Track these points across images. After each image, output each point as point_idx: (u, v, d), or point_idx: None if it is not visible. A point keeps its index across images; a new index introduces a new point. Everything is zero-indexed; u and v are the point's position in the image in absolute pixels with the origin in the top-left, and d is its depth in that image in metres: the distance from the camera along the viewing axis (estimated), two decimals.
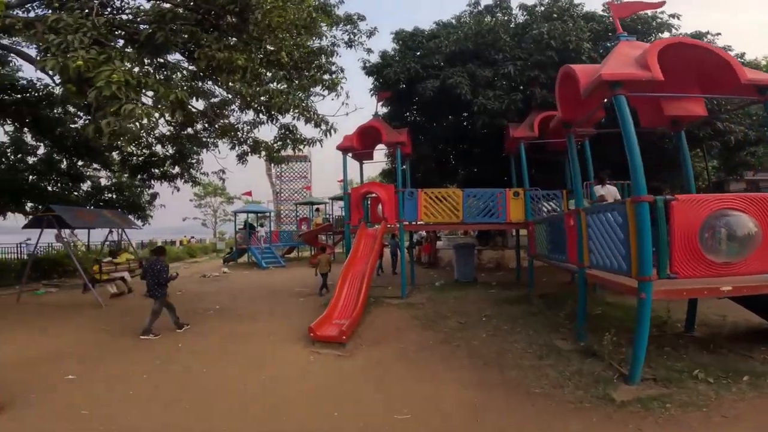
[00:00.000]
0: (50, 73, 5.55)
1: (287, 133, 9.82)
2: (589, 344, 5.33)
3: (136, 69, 5.16)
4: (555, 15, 10.81)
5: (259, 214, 26.61)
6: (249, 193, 24.91)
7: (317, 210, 26.65)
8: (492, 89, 10.16)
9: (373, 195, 10.49)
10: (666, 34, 10.72)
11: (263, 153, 11.41)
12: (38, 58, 5.49)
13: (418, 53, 12.16)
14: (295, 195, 39.67)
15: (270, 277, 15.47)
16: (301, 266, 19.44)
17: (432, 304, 8.57)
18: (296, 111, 7.69)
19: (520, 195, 9.55)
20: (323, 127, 8.47)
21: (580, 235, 5.46)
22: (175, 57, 8.03)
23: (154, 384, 4.92)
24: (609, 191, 7.56)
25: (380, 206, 11.35)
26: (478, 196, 9.62)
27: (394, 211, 9.48)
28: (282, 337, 6.72)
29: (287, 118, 9.44)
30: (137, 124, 4.59)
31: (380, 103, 13.88)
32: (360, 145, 10.04)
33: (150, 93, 5.56)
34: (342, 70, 8.59)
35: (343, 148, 10.01)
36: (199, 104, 9.90)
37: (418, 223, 9.71)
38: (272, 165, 40.96)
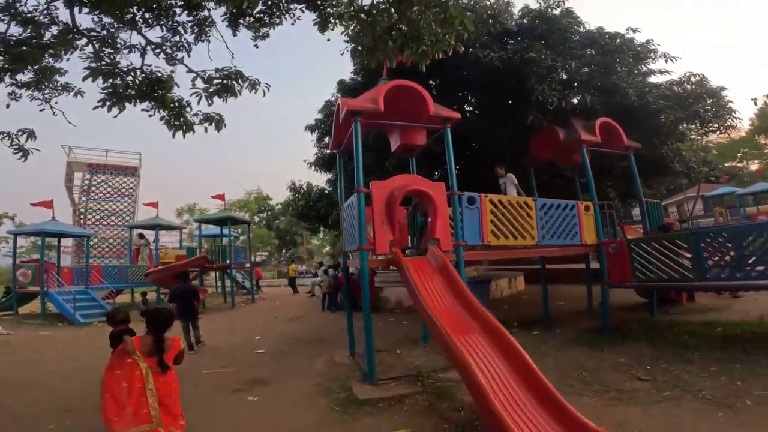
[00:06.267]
0: None
1: None
2: None
3: None
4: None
5: (62, 238, 17.04)
6: (48, 204, 15.37)
7: (140, 236, 18.72)
8: (548, 83, 7.68)
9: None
10: None
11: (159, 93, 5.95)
12: None
13: None
14: (111, 218, 28.93)
15: (100, 341, 7.04)
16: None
17: None
18: None
19: (590, 210, 7.23)
20: None
21: None
22: None
23: None
24: (509, 178, 7.71)
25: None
26: (554, 209, 6.82)
27: (448, 227, 5.51)
28: None
29: None
30: None
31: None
32: (386, 114, 5.83)
33: None
34: None
35: (357, 110, 5.64)
36: None
37: (482, 247, 5.98)
38: (76, 174, 29.27)
